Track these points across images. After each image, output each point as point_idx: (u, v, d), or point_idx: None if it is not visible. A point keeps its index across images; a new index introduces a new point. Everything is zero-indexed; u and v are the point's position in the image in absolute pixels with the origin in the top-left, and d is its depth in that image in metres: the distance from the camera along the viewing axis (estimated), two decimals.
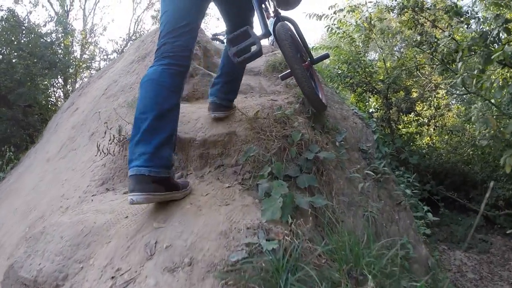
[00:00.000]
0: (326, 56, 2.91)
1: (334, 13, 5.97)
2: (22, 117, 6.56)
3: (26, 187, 4.14)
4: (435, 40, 5.52)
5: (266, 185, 1.66)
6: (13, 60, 6.29)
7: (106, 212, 1.90)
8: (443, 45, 5.70)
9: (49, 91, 6.87)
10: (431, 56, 5.79)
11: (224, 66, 2.16)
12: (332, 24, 5.68)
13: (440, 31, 5.84)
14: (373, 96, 5.98)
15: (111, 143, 2.52)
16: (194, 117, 2.33)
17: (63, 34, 6.87)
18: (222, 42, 5.73)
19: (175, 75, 1.56)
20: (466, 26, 6.15)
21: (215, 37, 6.09)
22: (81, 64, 7.21)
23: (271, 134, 1.95)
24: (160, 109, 1.48)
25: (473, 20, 6.11)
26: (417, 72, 5.96)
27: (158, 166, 1.44)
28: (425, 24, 5.77)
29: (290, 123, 2.09)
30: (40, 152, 4.82)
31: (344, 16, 6.05)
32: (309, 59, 2.70)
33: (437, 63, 5.83)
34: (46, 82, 6.67)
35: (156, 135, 1.46)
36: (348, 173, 2.47)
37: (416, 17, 5.70)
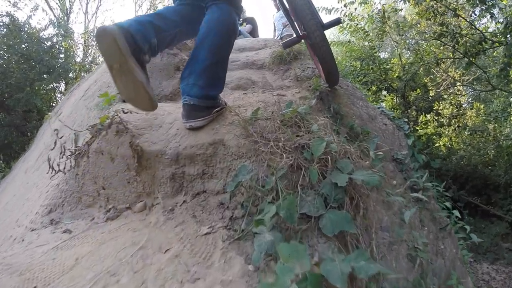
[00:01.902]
0: (338, 22, 2.10)
1: (345, 6, 5.13)
2: (21, 122, 5.92)
3: (3, 201, 3.42)
4: (459, 30, 4.64)
5: (268, 238, 0.87)
6: (9, 65, 5.64)
7: (18, 270, 1.14)
8: (467, 37, 4.82)
9: (48, 96, 6.20)
10: (453, 49, 4.90)
11: (203, 40, 1.38)
12: (344, 16, 4.84)
13: (462, 20, 4.97)
14: (389, 94, 5.12)
15: (62, 157, 1.74)
16: (169, 119, 1.55)
17: (62, 38, 6.21)
18: None
19: None
20: (490, 15, 5.25)
21: None
22: (82, 67, 6.55)
23: (277, 143, 1.15)
24: None
25: (496, 9, 5.21)
26: (438, 67, 5.10)
27: None
28: (445, 13, 4.89)
29: (305, 126, 1.28)
30: (24, 162, 4.12)
31: (355, 9, 5.21)
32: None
33: (460, 57, 4.95)
34: (45, 87, 6.01)
35: None
36: (385, 195, 1.67)
37: (435, 6, 4.83)
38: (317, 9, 2.18)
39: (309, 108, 1.35)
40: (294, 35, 1.90)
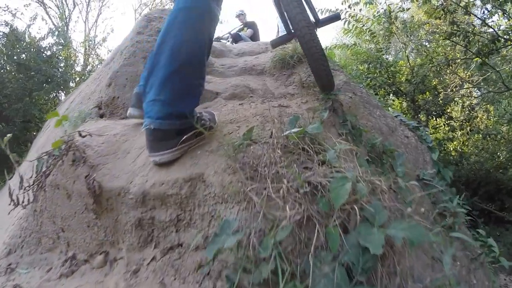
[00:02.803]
0: (336, 18, 1.77)
1: (349, 7, 4.74)
2: (19, 133, 5.63)
3: None
4: (472, 29, 4.22)
5: None
6: (7, 75, 5.36)
7: None
8: (480, 36, 4.39)
9: (48, 106, 5.90)
10: (465, 49, 4.48)
11: (163, 39, 1.02)
12: (349, 17, 4.45)
13: (474, 18, 4.55)
14: (397, 98, 4.71)
15: (20, 188, 1.39)
16: (140, 143, 1.18)
17: (61, 47, 5.91)
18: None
19: None
20: (502, 12, 4.83)
21: (218, 39, 4.94)
22: (82, 77, 6.24)
23: (278, 181, 0.77)
24: None
25: (508, 5, 4.78)
26: (450, 68, 4.68)
27: None
28: (455, 11, 4.47)
29: (317, 152, 0.90)
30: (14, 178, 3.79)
31: (360, 10, 4.82)
32: (312, 20, 1.64)
33: (472, 57, 4.52)
34: (45, 97, 5.71)
35: None
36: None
37: (444, 3, 4.42)
38: (313, 5, 1.83)
39: (321, 125, 0.96)
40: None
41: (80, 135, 1.16)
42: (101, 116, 1.82)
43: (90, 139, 1.20)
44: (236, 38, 4.61)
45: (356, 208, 0.68)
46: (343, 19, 4.45)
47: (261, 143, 0.91)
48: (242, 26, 5.22)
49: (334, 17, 1.79)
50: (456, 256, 1.66)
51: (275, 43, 1.65)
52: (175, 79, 0.99)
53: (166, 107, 0.97)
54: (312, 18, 1.87)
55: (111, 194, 1.01)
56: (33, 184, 1.38)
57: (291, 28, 1.47)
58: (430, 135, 5.15)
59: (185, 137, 0.97)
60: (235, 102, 1.73)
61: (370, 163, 1.21)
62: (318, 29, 1.96)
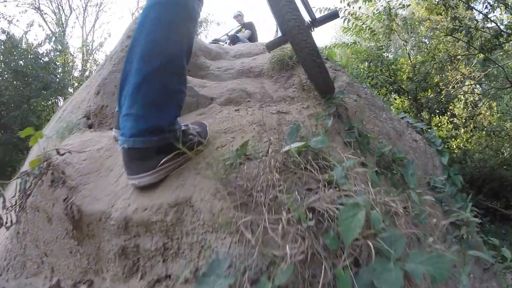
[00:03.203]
0: (334, 16, 1.60)
1: (348, 5, 4.61)
2: (18, 141, 5.52)
3: None
4: (475, 24, 4.09)
5: None
6: (3, 83, 5.26)
7: None
8: (483, 31, 4.26)
9: (46, 112, 5.79)
10: (468, 45, 4.34)
11: (134, 44, 0.89)
12: (349, 15, 4.32)
13: (476, 14, 4.41)
14: (399, 97, 4.57)
15: (3, 207, 1.27)
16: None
17: (57, 53, 5.81)
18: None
19: None
20: (504, 6, 4.68)
21: (215, 41, 4.82)
22: (80, 82, 6.13)
23: (277, 209, 0.65)
24: None
25: None
26: (452, 65, 4.54)
27: None
28: (458, 6, 4.33)
29: (322, 169, 0.78)
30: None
31: (360, 8, 4.69)
32: (308, 19, 1.52)
33: (475, 53, 4.39)
34: (42, 103, 5.61)
35: None
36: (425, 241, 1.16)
37: None
38: (308, 3, 1.71)
39: (325, 137, 0.84)
40: None
41: (58, 153, 1.05)
42: (90, 126, 1.71)
43: (71, 156, 1.08)
44: (234, 39, 4.49)
45: (370, 243, 0.56)
46: (342, 17, 4.32)
47: (257, 160, 0.78)
48: (240, 27, 5.10)
49: (332, 15, 1.64)
50: (467, 262, 1.55)
51: (271, 46, 1.52)
52: (148, 87, 0.84)
53: (139, 121, 0.83)
54: (307, 17, 1.76)
55: (92, 219, 0.89)
56: (15, 205, 1.27)
57: (280, 30, 1.34)
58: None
59: (166, 158, 0.83)
60: (231, 108, 1.61)
61: (379, 175, 1.09)
62: (315, 29, 1.84)
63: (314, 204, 0.65)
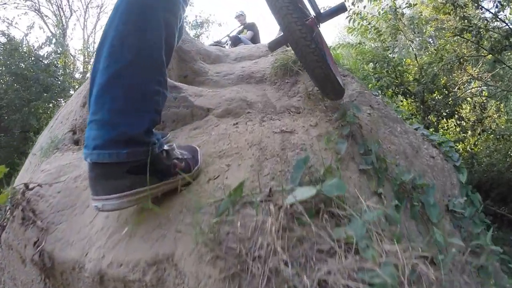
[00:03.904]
0: (341, 9, 1.45)
1: (352, 4, 4.40)
2: (18, 144, 5.38)
3: None
4: (484, 24, 3.86)
5: None
6: (3, 86, 5.12)
7: None
8: (493, 31, 4.03)
9: (48, 115, 5.64)
10: (477, 46, 4.12)
11: (102, 42, 0.71)
12: (354, 14, 4.11)
13: (485, 13, 4.18)
14: (406, 99, 4.37)
15: None
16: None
17: (57, 55, 5.64)
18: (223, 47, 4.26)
19: None
20: None
21: (217, 44, 4.59)
22: (82, 85, 5.99)
23: (279, 283, 0.45)
24: None
25: None
26: (460, 66, 4.32)
27: None
28: (467, 5, 4.11)
29: (338, 219, 0.58)
30: None
31: (365, 7, 4.47)
32: (313, 14, 1.44)
33: (485, 54, 4.17)
34: (43, 106, 5.46)
35: None
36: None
37: None
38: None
39: (339, 165, 0.66)
40: None
41: (27, 187, 0.88)
42: (76, 142, 1.53)
43: (41, 192, 0.91)
44: (236, 41, 4.29)
45: None
46: (347, 17, 4.11)
47: (254, 208, 0.60)
48: (241, 28, 4.89)
49: (339, 9, 1.46)
50: None
51: (273, 46, 1.33)
52: (116, 87, 0.67)
53: (105, 129, 0.66)
54: (312, 13, 1.58)
55: (65, 268, 0.72)
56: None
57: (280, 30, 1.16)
58: (442, 136, 4.81)
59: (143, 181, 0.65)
60: (229, 121, 1.43)
61: (399, 209, 0.90)
62: (320, 25, 1.66)
63: (327, 278, 0.47)
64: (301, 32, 0.98)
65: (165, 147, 0.78)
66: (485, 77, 5.83)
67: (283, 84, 1.87)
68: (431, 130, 4.38)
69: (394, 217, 0.80)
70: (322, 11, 1.50)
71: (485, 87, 5.25)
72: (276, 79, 1.92)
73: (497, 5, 4.08)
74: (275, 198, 0.65)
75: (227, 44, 4.33)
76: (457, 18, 4.11)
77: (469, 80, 5.81)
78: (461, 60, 4.17)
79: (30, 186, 0.90)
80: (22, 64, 5.64)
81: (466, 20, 4.03)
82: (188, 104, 1.52)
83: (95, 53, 0.75)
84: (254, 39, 4.65)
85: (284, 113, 1.52)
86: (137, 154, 0.68)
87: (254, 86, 1.96)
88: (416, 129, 1.77)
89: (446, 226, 1.29)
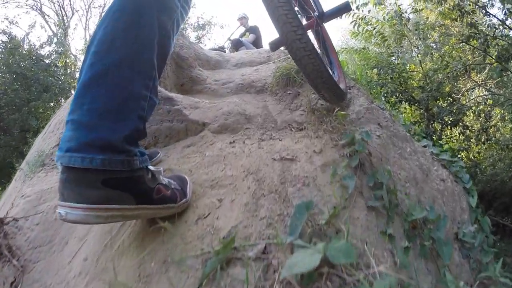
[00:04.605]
0: (345, 8, 1.41)
1: (357, 8, 4.27)
2: (17, 143, 5.28)
3: None
4: (492, 31, 3.74)
5: None
6: (2, 85, 5.02)
7: None
8: (500, 39, 3.90)
9: (47, 115, 5.54)
10: (484, 54, 3.99)
11: (94, 37, 0.65)
12: (358, 19, 3.99)
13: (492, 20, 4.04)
14: (410, 107, 4.24)
15: None
16: (78, 231, 0.78)
17: (58, 55, 5.53)
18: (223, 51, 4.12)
19: None
20: None
21: (220, 49, 4.37)
22: None
23: None
24: None
25: None
26: (466, 74, 4.20)
27: None
28: (474, 12, 3.98)
29: (341, 277, 0.46)
30: None
31: (369, 11, 4.34)
32: (315, 13, 1.44)
33: (492, 62, 4.03)
34: (43, 106, 5.36)
35: None
36: None
37: (461, 3, 3.93)
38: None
39: (350, 243, 0.55)
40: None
41: (2, 222, 0.77)
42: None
43: (18, 225, 0.81)
44: (237, 44, 4.16)
45: None
46: (352, 22, 3.99)
47: (245, 266, 0.49)
48: (243, 31, 4.76)
49: (343, 8, 1.41)
50: None
51: (274, 45, 1.23)
52: (99, 86, 0.61)
53: (81, 131, 0.60)
54: (315, 11, 1.52)
55: None
56: None
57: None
58: (444, 145, 4.68)
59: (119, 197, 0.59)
60: (225, 138, 1.32)
61: (408, 251, 0.79)
62: (324, 24, 1.55)
63: None
64: (296, 34, 0.90)
65: (151, 167, 0.69)
66: (489, 84, 5.70)
67: (285, 95, 1.76)
68: (435, 138, 4.26)
69: (403, 261, 0.70)
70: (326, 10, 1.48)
71: (490, 95, 5.11)
72: (278, 90, 1.81)
73: (505, 12, 3.95)
74: (270, 256, 0.54)
75: (228, 47, 4.20)
76: (464, 24, 3.98)
77: (473, 86, 5.68)
78: (467, 67, 4.05)
79: (6, 220, 0.80)
80: (22, 64, 5.54)
81: (473, 27, 3.90)
82: (182, 118, 1.41)
83: (86, 50, 0.68)
84: (257, 43, 4.52)
85: (285, 129, 1.41)
86: (113, 163, 0.60)
87: (254, 97, 1.85)
88: (424, 146, 1.66)
89: (455, 257, 1.18)
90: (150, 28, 0.68)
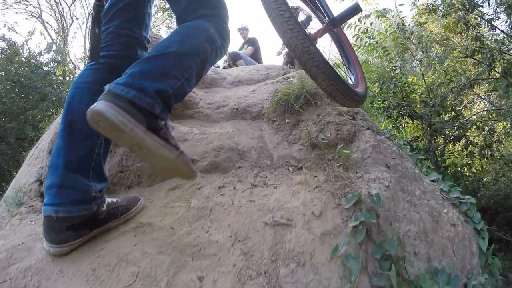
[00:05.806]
0: (356, 10, 1.39)
1: (359, 20, 4.15)
2: (13, 152, 5.16)
3: None
4: (499, 46, 3.60)
5: None
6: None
7: None
8: (507, 53, 3.76)
9: (45, 123, 5.42)
10: (489, 69, 3.85)
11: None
12: (360, 32, 3.86)
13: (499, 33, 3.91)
14: (412, 122, 4.11)
15: None
16: (55, 269, 0.64)
17: (56, 64, 5.41)
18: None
19: None
20: None
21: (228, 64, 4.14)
22: None
23: None
24: None
25: None
26: (472, 89, 4.07)
27: None
28: (479, 26, 3.85)
29: None
30: None
31: (371, 24, 4.21)
32: (326, 18, 1.40)
33: (497, 77, 3.90)
34: (41, 114, 5.24)
35: None
36: None
37: (467, 17, 3.80)
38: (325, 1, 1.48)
39: None
40: None
41: None
42: (42, 194, 1.29)
43: None
44: (235, 57, 4.02)
45: None
46: (354, 35, 3.87)
47: None
48: (242, 43, 4.63)
49: (353, 10, 1.39)
50: None
51: (288, 60, 1.20)
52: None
53: (62, 190, 0.87)
54: (326, 17, 1.44)
55: None
56: None
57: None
58: (448, 160, 4.52)
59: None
60: (214, 180, 1.19)
61: None
62: (336, 28, 1.53)
63: None
64: (303, 46, 0.90)
65: (107, 200, 0.92)
66: (492, 97, 5.57)
67: (282, 123, 1.62)
68: (437, 153, 4.12)
69: None
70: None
71: (493, 108, 4.97)
72: (275, 117, 1.67)
73: (511, 26, 3.82)
74: None
75: (226, 61, 4.05)
76: (470, 38, 3.85)
77: (474, 99, 5.54)
78: (471, 82, 3.92)
79: None
80: (20, 71, 5.43)
81: (478, 42, 3.77)
82: None
83: None
84: (256, 55, 4.39)
85: (282, 168, 1.28)
86: (81, 211, 0.83)
87: (249, 124, 1.71)
88: (433, 181, 1.52)
89: None
90: (197, 46, 0.87)
